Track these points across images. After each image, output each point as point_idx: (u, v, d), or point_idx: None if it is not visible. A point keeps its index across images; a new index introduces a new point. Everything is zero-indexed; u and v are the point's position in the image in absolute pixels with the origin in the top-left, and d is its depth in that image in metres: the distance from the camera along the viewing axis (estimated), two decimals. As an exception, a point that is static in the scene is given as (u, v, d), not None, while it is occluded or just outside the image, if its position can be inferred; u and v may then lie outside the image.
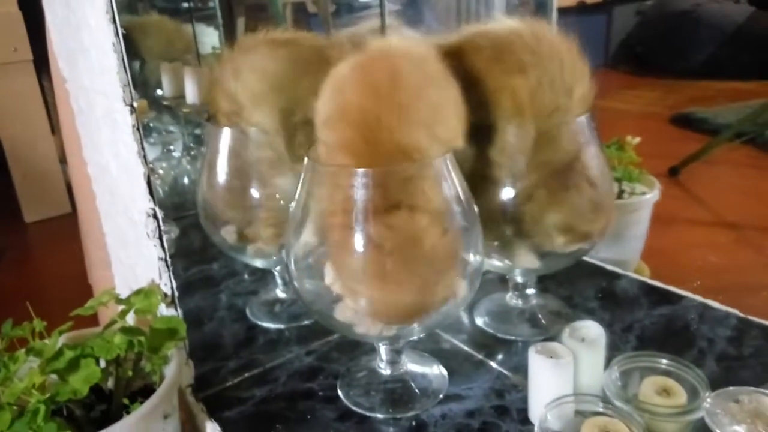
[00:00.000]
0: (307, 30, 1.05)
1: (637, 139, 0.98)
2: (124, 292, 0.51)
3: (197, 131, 0.97)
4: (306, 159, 0.46)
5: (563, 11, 0.76)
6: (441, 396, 0.53)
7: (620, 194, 0.96)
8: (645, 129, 1.97)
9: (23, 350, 0.45)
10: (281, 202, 0.59)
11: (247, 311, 0.69)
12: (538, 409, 0.46)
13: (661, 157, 1.64)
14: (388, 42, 0.45)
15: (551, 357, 0.46)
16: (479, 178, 0.54)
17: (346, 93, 0.43)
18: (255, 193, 0.59)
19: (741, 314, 0.61)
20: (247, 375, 0.58)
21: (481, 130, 0.53)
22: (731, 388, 0.43)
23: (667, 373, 0.47)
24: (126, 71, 0.46)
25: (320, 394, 0.54)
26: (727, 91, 2.47)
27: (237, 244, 0.62)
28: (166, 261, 0.51)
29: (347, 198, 0.43)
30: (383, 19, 0.73)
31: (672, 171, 1.62)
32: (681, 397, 0.45)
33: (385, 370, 0.54)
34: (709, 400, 0.42)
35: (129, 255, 0.59)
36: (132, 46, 0.92)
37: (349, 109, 0.42)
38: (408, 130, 0.42)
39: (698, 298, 0.64)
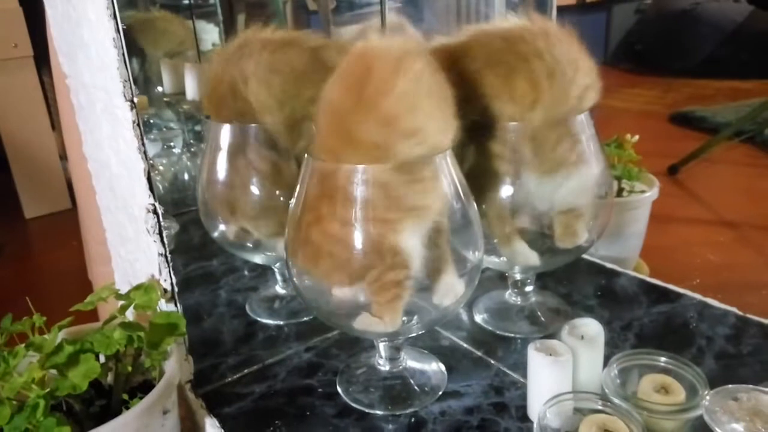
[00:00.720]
0: (307, 28, 1.06)
1: (636, 138, 0.98)
2: (123, 288, 0.51)
3: (197, 128, 0.97)
4: (306, 156, 0.46)
5: (563, 9, 0.77)
6: (440, 393, 0.53)
7: (619, 192, 0.96)
8: (644, 127, 1.96)
9: (23, 345, 0.45)
10: (281, 199, 0.59)
11: (247, 307, 0.69)
12: (537, 406, 0.46)
13: (660, 156, 1.64)
14: (371, 41, 0.45)
15: (550, 354, 0.46)
16: (483, 174, 0.54)
17: (326, 90, 0.45)
18: (255, 189, 0.59)
19: (740, 312, 0.61)
20: (246, 371, 0.58)
21: (484, 126, 0.53)
22: (730, 386, 0.43)
23: (666, 371, 0.47)
24: (126, 67, 0.46)
25: (319, 390, 0.54)
26: (726, 89, 2.47)
27: (237, 240, 0.62)
28: (166, 257, 0.51)
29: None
30: (383, 17, 0.73)
31: (671, 169, 1.62)
32: (680, 394, 0.45)
33: (385, 367, 0.55)
34: (707, 397, 0.42)
35: (129, 250, 0.59)
36: (132, 42, 0.92)
37: (325, 102, 0.44)
38: (362, 123, 0.42)
39: (697, 296, 0.64)
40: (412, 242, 0.45)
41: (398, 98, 0.42)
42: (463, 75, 0.51)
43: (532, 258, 0.57)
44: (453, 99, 0.46)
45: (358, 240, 0.44)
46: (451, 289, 0.48)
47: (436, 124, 0.44)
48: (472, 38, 0.54)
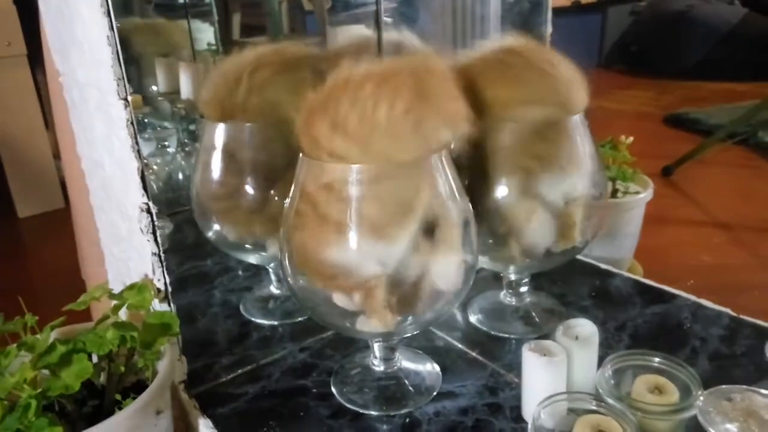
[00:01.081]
0: (303, 28, 1.05)
1: (631, 139, 0.99)
2: (117, 288, 0.51)
3: (192, 127, 0.97)
4: (300, 156, 0.46)
5: (558, 11, 0.77)
6: (434, 393, 0.53)
7: (614, 193, 0.96)
8: (639, 129, 1.98)
9: (15, 345, 0.45)
10: (275, 198, 0.59)
11: (241, 307, 0.68)
12: (531, 406, 0.46)
13: (654, 157, 1.65)
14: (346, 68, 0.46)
15: (545, 355, 0.46)
16: (478, 176, 0.54)
17: None
18: (249, 189, 0.59)
19: (733, 313, 0.61)
20: (240, 371, 0.58)
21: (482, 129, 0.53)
22: (724, 386, 0.43)
23: (659, 372, 0.47)
24: (120, 65, 0.46)
25: (314, 390, 0.54)
26: (721, 91, 2.48)
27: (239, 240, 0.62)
28: (159, 256, 0.51)
29: None
30: (378, 18, 0.73)
31: (665, 171, 1.62)
32: (673, 395, 0.45)
33: (379, 367, 0.54)
34: (701, 398, 0.42)
35: (122, 250, 0.59)
36: (127, 41, 0.91)
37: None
38: (302, 138, 0.46)
39: (691, 297, 0.64)
40: (350, 255, 0.44)
41: (323, 120, 0.44)
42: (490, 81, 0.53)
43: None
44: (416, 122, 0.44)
45: (300, 246, 0.47)
46: (447, 273, 0.48)
47: (363, 147, 0.43)
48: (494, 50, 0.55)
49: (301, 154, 0.46)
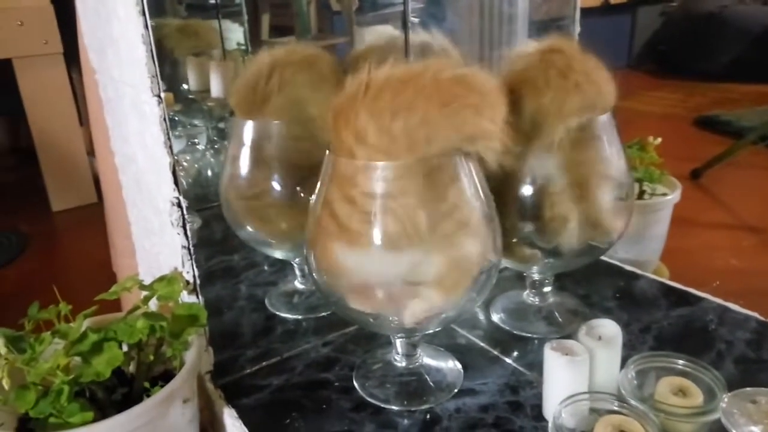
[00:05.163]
0: (330, 29, 1.06)
1: (659, 140, 0.97)
2: (147, 280, 0.52)
3: (221, 125, 0.98)
4: (327, 153, 0.47)
5: (587, 11, 0.76)
6: (455, 390, 0.53)
7: (641, 195, 0.95)
8: (668, 131, 1.94)
9: (49, 332, 0.46)
10: (302, 195, 0.60)
11: (266, 302, 0.70)
12: (552, 405, 0.46)
13: (683, 159, 1.62)
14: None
15: (567, 354, 0.46)
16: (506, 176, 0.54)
17: None
18: (277, 185, 0.60)
19: (762, 318, 0.60)
20: (264, 364, 0.59)
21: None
22: (748, 389, 0.42)
23: (683, 374, 0.47)
24: (154, 62, 0.47)
25: (336, 384, 0.55)
26: (752, 94, 2.43)
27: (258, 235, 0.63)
28: (189, 249, 0.52)
29: None
30: (406, 18, 0.74)
31: (694, 173, 1.60)
32: (697, 397, 0.45)
33: (401, 363, 0.55)
34: (726, 399, 0.42)
35: (153, 243, 0.61)
36: (160, 41, 0.93)
37: None
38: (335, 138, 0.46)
39: (718, 300, 0.64)
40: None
41: (347, 129, 0.44)
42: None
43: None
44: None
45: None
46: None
47: (386, 156, 0.44)
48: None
49: (327, 152, 0.47)
